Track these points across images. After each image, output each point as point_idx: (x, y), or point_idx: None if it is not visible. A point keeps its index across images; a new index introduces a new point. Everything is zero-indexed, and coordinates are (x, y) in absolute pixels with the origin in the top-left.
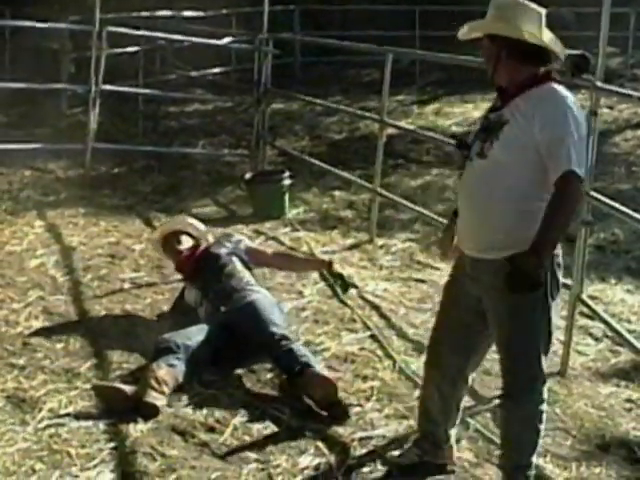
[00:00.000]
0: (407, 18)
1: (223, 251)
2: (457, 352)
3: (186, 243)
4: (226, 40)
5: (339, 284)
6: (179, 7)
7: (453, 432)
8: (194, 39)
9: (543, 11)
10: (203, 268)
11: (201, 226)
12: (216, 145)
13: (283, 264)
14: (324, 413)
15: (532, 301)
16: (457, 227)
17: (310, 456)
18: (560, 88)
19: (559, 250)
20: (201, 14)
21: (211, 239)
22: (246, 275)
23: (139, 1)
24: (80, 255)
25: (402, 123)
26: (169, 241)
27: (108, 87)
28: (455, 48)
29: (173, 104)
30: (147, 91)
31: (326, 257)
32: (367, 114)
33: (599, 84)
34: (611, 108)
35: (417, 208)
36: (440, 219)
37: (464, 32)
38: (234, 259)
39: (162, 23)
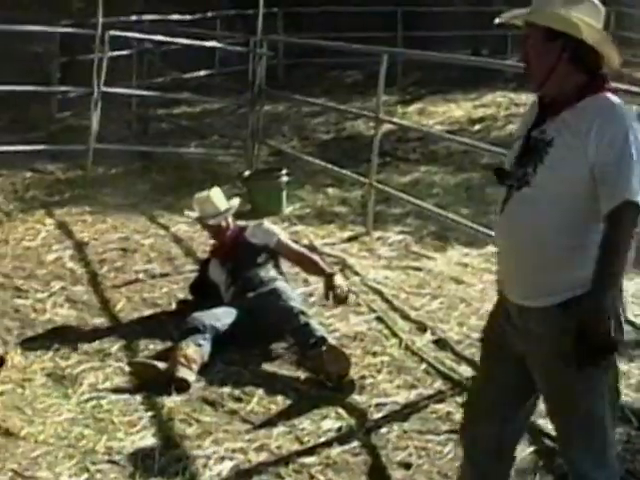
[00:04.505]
0: (389, 19)
1: (257, 241)
2: (493, 418)
3: (231, 221)
4: (218, 42)
5: (334, 295)
6: (166, 11)
7: None
8: (192, 42)
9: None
10: (237, 254)
11: (234, 202)
12: (207, 146)
13: (303, 265)
14: (329, 384)
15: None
16: (498, 270)
17: (332, 420)
18: (618, 100)
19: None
20: (188, 17)
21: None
22: (273, 267)
23: (127, 5)
24: (93, 249)
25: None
26: (219, 223)
27: (110, 89)
28: (437, 48)
29: (162, 106)
30: (146, 93)
31: (331, 269)
32: (364, 112)
33: None
34: None
35: (415, 201)
36: (434, 209)
37: (514, 15)
38: (266, 250)
39: (150, 26)
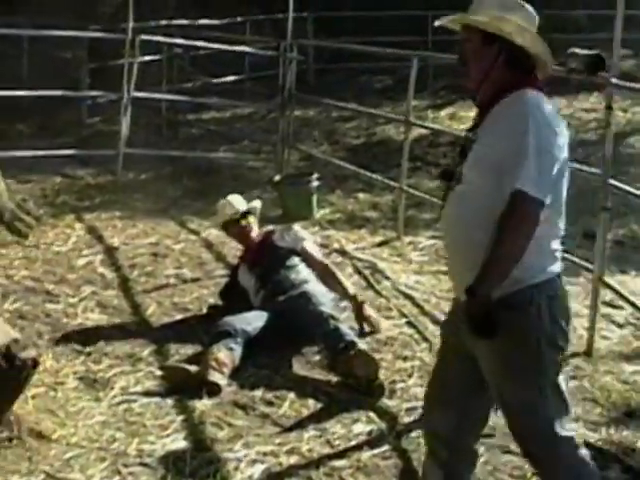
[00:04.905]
0: (419, 23)
1: (284, 245)
2: (452, 411)
3: (255, 227)
4: (248, 47)
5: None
6: (195, 15)
7: None
8: (221, 47)
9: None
10: (265, 258)
11: (254, 203)
12: (237, 151)
13: (323, 277)
14: (360, 388)
15: (523, 353)
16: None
17: (362, 424)
18: (531, 94)
19: (558, 290)
20: (217, 22)
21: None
22: (303, 270)
23: (156, 10)
24: (124, 254)
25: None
26: (239, 223)
27: (140, 94)
28: None
29: (191, 111)
30: (175, 97)
31: (359, 296)
32: (393, 115)
33: (614, 81)
34: (625, 111)
35: None
36: None
37: (452, 19)
38: (293, 254)
39: (180, 31)
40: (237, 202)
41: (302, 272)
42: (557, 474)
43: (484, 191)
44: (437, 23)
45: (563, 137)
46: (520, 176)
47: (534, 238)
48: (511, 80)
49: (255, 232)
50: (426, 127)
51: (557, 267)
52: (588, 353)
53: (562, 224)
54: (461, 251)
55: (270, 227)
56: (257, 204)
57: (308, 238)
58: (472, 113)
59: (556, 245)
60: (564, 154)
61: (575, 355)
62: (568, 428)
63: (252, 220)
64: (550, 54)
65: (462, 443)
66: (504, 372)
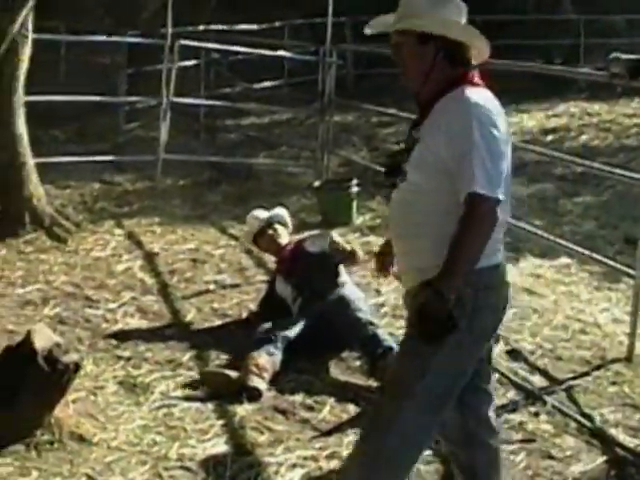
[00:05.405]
0: None
1: (316, 250)
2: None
3: (283, 234)
4: (286, 52)
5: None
6: (233, 20)
7: None
8: (260, 52)
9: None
10: (299, 267)
11: (286, 216)
12: (276, 157)
13: (347, 258)
14: None
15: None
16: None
17: None
18: (472, 91)
19: (491, 282)
20: (255, 27)
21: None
22: (339, 275)
23: (194, 15)
24: (163, 260)
25: None
26: (265, 232)
27: (179, 100)
28: (507, 57)
29: (230, 117)
30: (214, 103)
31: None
32: None
33: None
34: None
35: None
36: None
37: (382, 23)
38: (326, 257)
39: (218, 36)
40: (260, 213)
41: (337, 277)
42: (376, 457)
43: (425, 190)
44: (367, 31)
45: (505, 129)
46: (473, 178)
47: None
48: (452, 75)
49: (286, 240)
50: None
51: (495, 258)
52: (629, 359)
53: (507, 215)
54: (402, 245)
55: (302, 235)
56: (280, 211)
57: (334, 235)
58: (512, 119)
59: (497, 234)
60: (508, 146)
61: (615, 361)
62: (423, 433)
63: (278, 227)
64: (484, 39)
65: (471, 435)
66: (406, 337)
